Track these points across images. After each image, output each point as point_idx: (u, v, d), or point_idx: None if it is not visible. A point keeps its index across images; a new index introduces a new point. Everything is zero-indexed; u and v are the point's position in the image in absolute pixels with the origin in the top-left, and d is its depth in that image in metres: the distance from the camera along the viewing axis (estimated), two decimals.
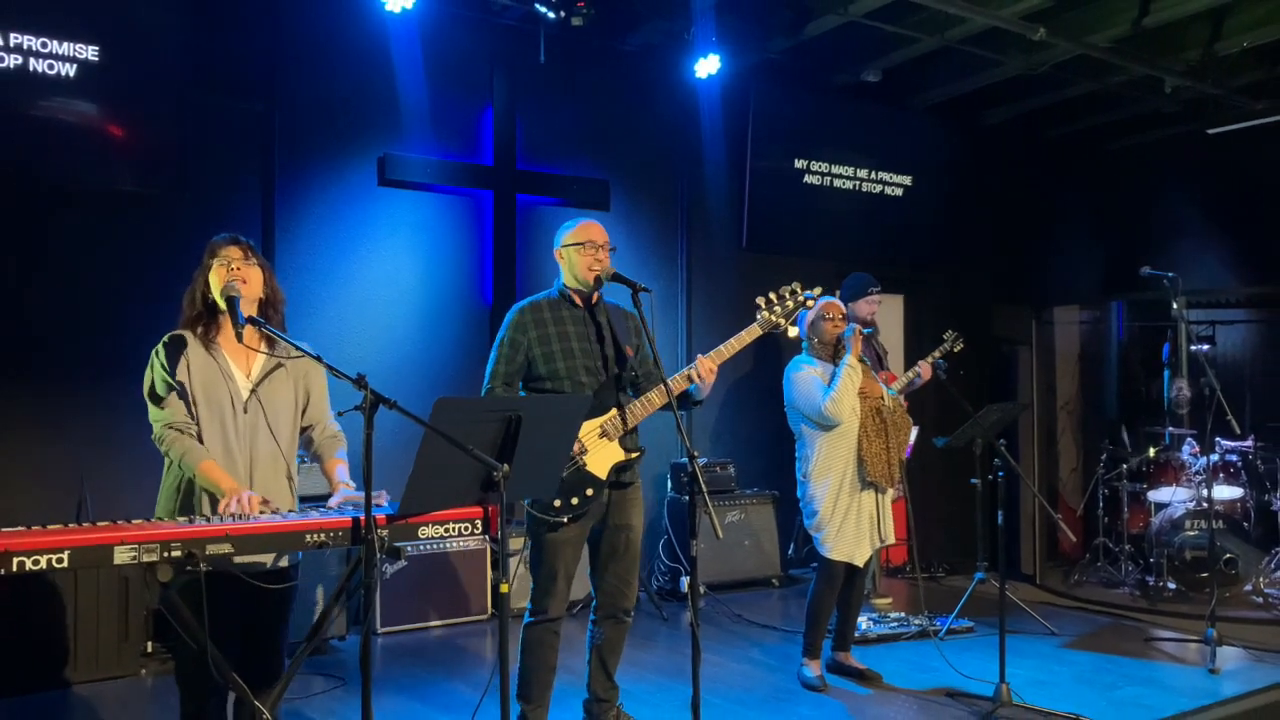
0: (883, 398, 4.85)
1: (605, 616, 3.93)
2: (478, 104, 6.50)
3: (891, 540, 4.87)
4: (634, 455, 3.82)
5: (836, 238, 7.88)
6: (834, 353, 4.80)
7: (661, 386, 3.75)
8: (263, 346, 3.19)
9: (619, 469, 3.78)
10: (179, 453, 2.99)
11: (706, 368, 3.75)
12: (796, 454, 4.88)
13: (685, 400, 3.86)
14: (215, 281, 3.12)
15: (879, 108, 8.02)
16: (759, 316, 3.95)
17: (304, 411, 3.30)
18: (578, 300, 3.88)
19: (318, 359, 2.87)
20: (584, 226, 3.87)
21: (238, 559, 2.72)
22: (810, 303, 4.00)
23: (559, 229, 3.94)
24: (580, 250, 3.82)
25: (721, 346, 3.87)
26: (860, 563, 4.75)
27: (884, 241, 8.13)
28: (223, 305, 3.11)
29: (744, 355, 7.41)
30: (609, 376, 3.80)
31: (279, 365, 3.21)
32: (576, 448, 3.65)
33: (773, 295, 3.97)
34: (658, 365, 3.75)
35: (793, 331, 3.99)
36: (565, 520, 3.69)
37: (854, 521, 4.71)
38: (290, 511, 2.97)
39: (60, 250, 5.24)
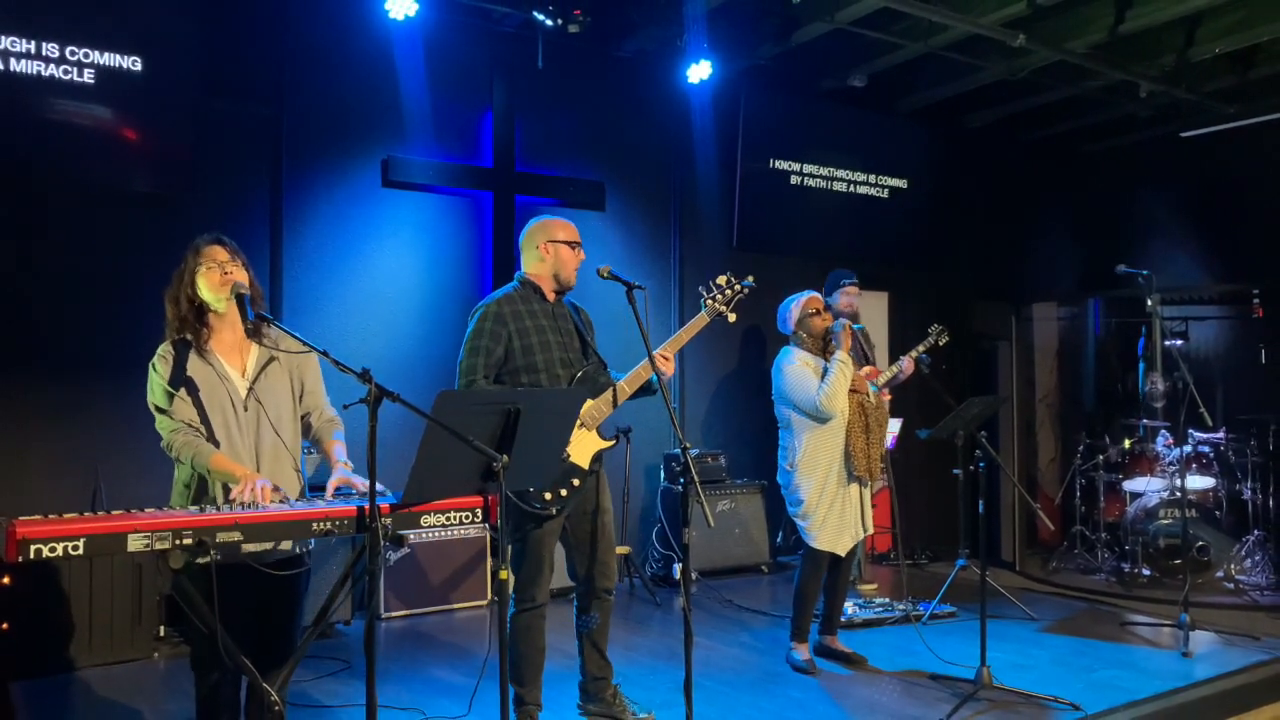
0: (867, 393, 4.92)
1: (591, 599, 4.01)
2: (478, 108, 6.57)
3: (871, 530, 4.96)
4: (611, 444, 3.92)
5: (823, 237, 7.96)
6: (822, 346, 4.86)
7: (629, 377, 3.88)
8: (258, 340, 3.22)
9: (597, 457, 3.89)
10: (189, 454, 3.00)
11: (663, 357, 3.87)
12: (781, 443, 4.93)
13: (647, 388, 3.98)
14: (204, 283, 3.13)
15: (865, 112, 8.08)
16: (704, 305, 4.06)
17: (300, 399, 3.31)
18: (548, 294, 3.94)
19: (324, 354, 2.88)
20: (568, 226, 3.96)
21: (248, 546, 2.76)
22: (746, 290, 4.10)
23: (533, 220, 4.00)
24: (573, 249, 3.92)
25: (674, 336, 4.03)
26: (843, 553, 4.83)
27: (869, 241, 8.21)
28: (213, 306, 3.14)
29: (733, 351, 7.63)
30: (581, 368, 3.89)
31: (272, 359, 3.22)
32: None
33: (712, 284, 4.08)
34: (649, 354, 3.81)
35: (732, 317, 4.11)
36: (554, 512, 3.78)
37: (838, 513, 4.78)
38: (298, 500, 3.01)
39: (76, 248, 5.31)
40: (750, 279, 4.16)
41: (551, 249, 3.92)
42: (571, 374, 3.87)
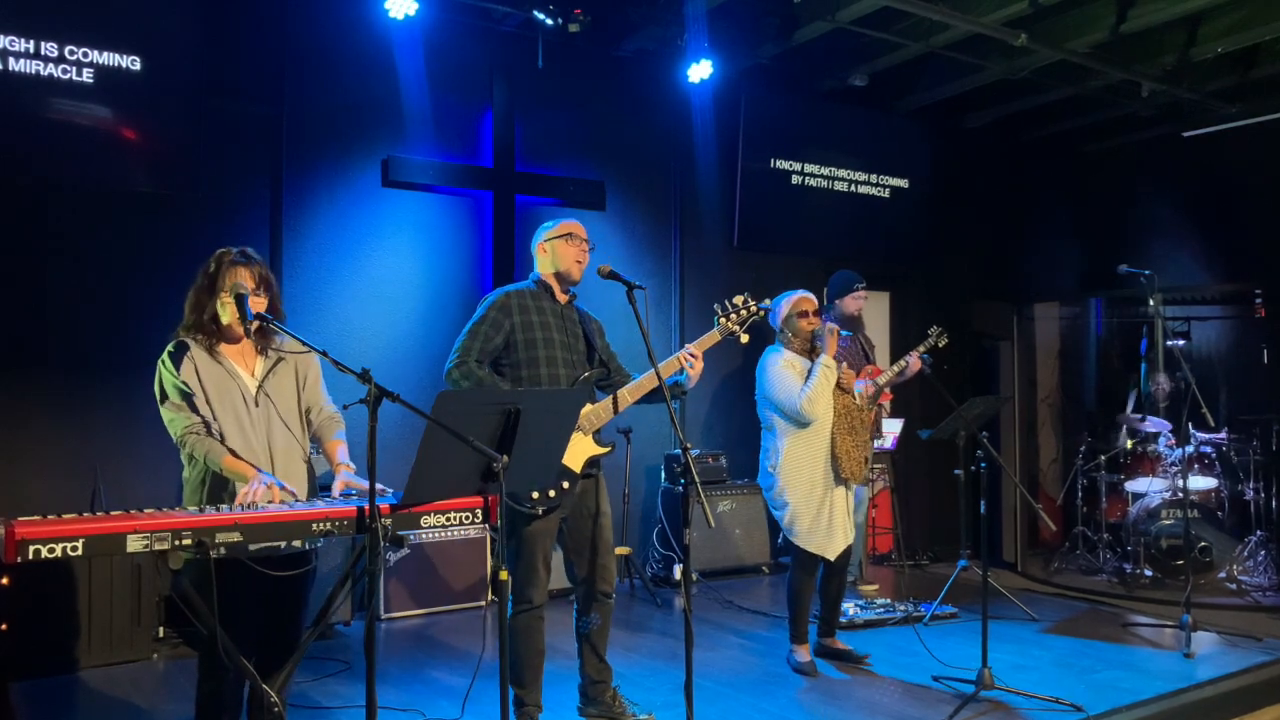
0: (853, 394, 4.86)
1: (589, 601, 4.00)
2: (478, 108, 6.58)
3: (853, 534, 4.88)
4: (606, 450, 3.92)
5: (824, 237, 7.97)
6: (810, 348, 4.79)
7: (631, 386, 3.88)
8: (260, 349, 3.27)
9: (590, 463, 3.88)
10: (202, 452, 3.05)
11: (690, 356, 3.88)
12: (763, 444, 4.86)
13: (675, 390, 3.97)
14: (225, 309, 3.19)
15: (865, 111, 8.10)
16: (717, 323, 4.04)
17: (301, 394, 3.37)
18: (557, 294, 3.97)
19: (323, 354, 2.91)
20: (567, 222, 3.97)
21: (254, 546, 2.74)
22: (763, 313, 4.08)
23: (539, 227, 4.03)
24: (567, 241, 3.91)
25: (698, 341, 4.01)
26: (832, 557, 4.75)
27: (870, 240, 8.22)
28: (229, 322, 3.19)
29: (733, 352, 7.63)
30: (583, 372, 3.90)
31: (280, 360, 3.31)
32: None
33: (728, 303, 4.07)
34: (652, 360, 3.78)
35: (745, 339, 4.09)
36: (540, 513, 3.77)
37: (826, 517, 4.71)
38: (298, 501, 3.02)
39: (78, 248, 5.32)
40: (767, 302, 4.20)
41: (549, 246, 3.96)
42: (572, 375, 3.88)
